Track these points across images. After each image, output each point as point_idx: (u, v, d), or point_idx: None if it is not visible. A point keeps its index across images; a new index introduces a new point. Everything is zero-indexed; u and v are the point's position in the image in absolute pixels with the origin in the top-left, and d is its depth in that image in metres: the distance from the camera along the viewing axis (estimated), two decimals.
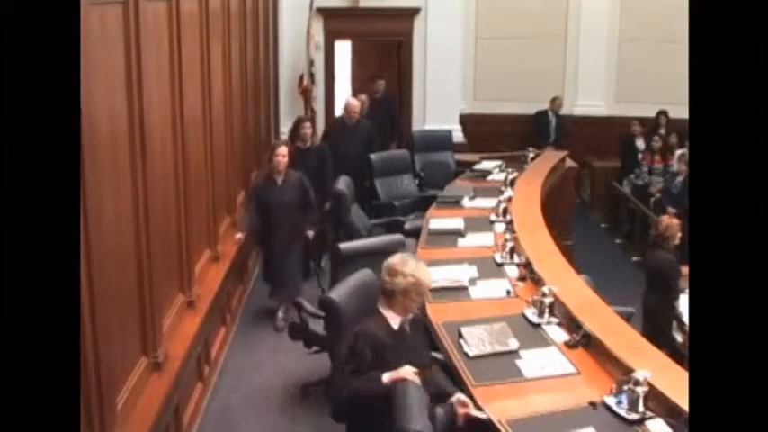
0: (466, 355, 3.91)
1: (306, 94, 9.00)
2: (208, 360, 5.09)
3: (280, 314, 6.22)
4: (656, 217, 6.74)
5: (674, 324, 5.24)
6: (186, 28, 4.55)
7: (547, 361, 3.87)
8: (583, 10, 10.53)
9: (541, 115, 10.33)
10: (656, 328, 5.09)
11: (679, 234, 5.36)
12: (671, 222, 5.41)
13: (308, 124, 7.06)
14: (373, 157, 7.63)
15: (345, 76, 10.70)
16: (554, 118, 10.32)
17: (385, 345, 3.21)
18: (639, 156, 9.75)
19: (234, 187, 6.27)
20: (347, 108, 7.99)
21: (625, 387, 3.38)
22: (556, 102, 10.35)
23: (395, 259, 3.32)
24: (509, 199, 6.56)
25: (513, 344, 3.97)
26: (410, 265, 3.25)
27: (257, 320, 6.37)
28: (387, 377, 3.18)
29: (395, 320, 3.26)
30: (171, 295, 4.42)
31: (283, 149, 6.18)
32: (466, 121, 9.73)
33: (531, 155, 8.39)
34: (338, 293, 4.14)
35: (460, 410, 3.25)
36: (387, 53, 10.05)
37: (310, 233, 6.36)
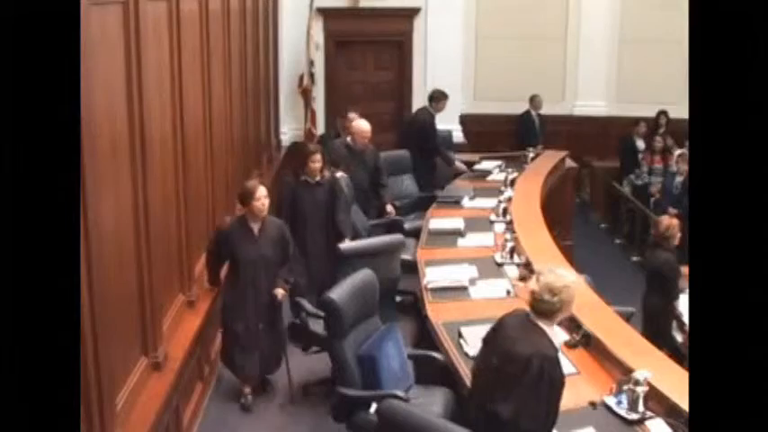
0: (466, 354, 3.94)
1: (306, 94, 9.01)
2: (208, 360, 5.09)
3: (246, 389, 4.99)
4: (656, 217, 6.74)
5: (674, 324, 5.24)
6: (186, 28, 4.55)
7: None
8: (583, 10, 10.50)
9: (526, 116, 9.88)
10: (656, 328, 5.09)
11: (679, 234, 5.36)
12: (671, 222, 5.41)
13: (318, 156, 5.77)
14: None
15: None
16: (537, 118, 9.85)
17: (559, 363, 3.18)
18: (639, 156, 9.74)
19: (234, 188, 6.25)
20: (358, 132, 6.74)
21: (625, 387, 3.38)
22: (536, 100, 9.83)
23: (549, 278, 3.16)
24: (509, 199, 6.57)
25: None
26: (565, 277, 3.17)
27: None
28: None
29: (558, 335, 3.22)
30: (171, 295, 4.42)
31: (263, 190, 4.90)
32: (466, 121, 9.73)
33: (531, 155, 8.39)
34: (338, 293, 4.13)
35: None
36: (383, 53, 9.84)
37: (280, 292, 4.93)
